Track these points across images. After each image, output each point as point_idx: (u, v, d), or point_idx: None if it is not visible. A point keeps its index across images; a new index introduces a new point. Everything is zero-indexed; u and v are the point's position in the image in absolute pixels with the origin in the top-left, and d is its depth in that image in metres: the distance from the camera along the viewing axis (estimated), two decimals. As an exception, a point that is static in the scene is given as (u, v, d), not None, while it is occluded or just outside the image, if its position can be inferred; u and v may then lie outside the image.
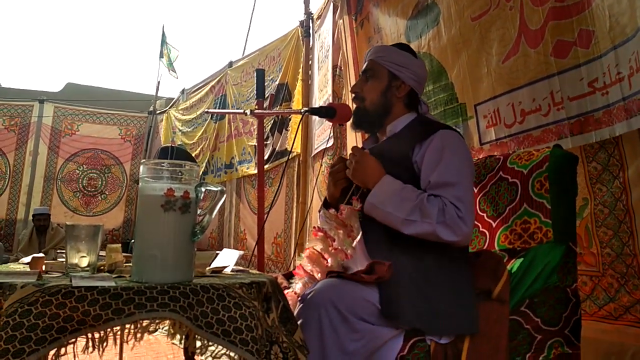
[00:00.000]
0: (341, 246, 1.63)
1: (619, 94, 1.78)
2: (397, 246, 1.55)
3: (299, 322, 1.35)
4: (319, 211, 1.94)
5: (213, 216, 1.20)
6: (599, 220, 1.93)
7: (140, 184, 1.16)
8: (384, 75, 1.75)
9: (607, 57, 1.82)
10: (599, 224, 1.94)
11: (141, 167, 1.17)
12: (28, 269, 1.27)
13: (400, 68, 1.75)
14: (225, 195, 1.19)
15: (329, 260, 1.64)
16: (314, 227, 1.74)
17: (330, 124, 3.86)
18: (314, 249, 1.68)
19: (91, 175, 8.39)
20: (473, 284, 1.56)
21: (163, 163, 1.15)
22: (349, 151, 2.42)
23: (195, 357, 2.27)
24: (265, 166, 4.78)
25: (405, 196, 1.54)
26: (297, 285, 1.66)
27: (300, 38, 4.71)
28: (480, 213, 1.90)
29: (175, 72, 8.17)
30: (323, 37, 4.26)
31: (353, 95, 1.80)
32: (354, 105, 1.80)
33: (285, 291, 1.65)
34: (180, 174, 1.16)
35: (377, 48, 1.84)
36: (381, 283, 1.45)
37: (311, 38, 4.62)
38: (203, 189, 1.17)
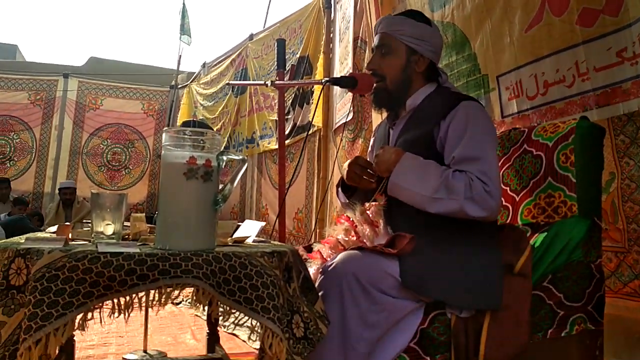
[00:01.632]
0: (365, 240, 1.61)
1: None
2: (421, 221, 1.54)
3: (320, 293, 1.36)
4: (337, 191, 1.93)
5: (235, 185, 1.21)
6: (626, 195, 1.89)
7: (163, 152, 1.17)
8: (402, 51, 1.71)
9: (636, 26, 1.76)
10: (626, 199, 1.90)
11: (164, 135, 1.18)
12: (55, 236, 1.30)
13: (418, 42, 1.70)
14: (247, 164, 1.19)
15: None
16: (340, 215, 1.70)
17: (350, 97, 3.83)
18: (335, 236, 1.64)
19: (115, 149, 8.50)
20: (500, 258, 1.54)
21: (185, 131, 1.16)
22: (373, 124, 2.38)
23: (218, 325, 2.32)
24: (287, 141, 4.78)
25: (429, 173, 1.52)
26: (311, 270, 1.58)
27: (322, 9, 4.65)
28: (504, 187, 1.87)
29: (189, 37, 8.08)
30: (345, 7, 4.20)
31: (370, 72, 1.75)
32: (374, 84, 1.74)
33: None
34: (202, 142, 1.16)
35: (390, 20, 1.78)
36: (403, 255, 1.45)
37: (332, 9, 4.56)
38: (225, 158, 1.17)
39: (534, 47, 2.18)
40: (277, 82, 2.13)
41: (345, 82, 1.76)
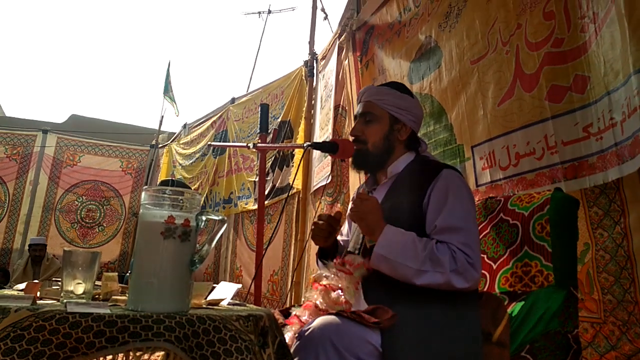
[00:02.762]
0: (345, 296, 1.58)
1: (612, 140, 1.79)
2: (399, 293, 1.52)
3: (295, 359, 1.32)
4: (316, 260, 1.92)
5: (213, 246, 1.19)
6: (600, 266, 1.92)
7: (141, 210, 1.16)
8: (385, 119, 1.76)
9: (601, 103, 1.84)
10: (600, 270, 1.92)
11: (143, 194, 1.17)
12: (23, 294, 1.25)
13: (401, 111, 1.76)
14: (226, 225, 1.18)
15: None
16: (313, 279, 1.68)
17: (330, 161, 3.88)
18: (314, 300, 1.61)
19: (90, 206, 8.38)
20: (479, 328, 1.52)
21: (165, 190, 1.15)
22: (351, 189, 2.40)
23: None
24: (265, 202, 4.78)
25: (414, 245, 1.51)
26: (287, 335, 1.53)
27: (304, 77, 4.78)
28: (481, 254, 1.88)
29: (177, 109, 8.31)
30: (327, 77, 4.33)
31: (352, 138, 1.78)
32: (355, 148, 1.78)
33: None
34: (181, 201, 1.15)
35: (374, 90, 1.83)
36: (384, 329, 1.43)
37: (315, 78, 4.70)
38: (204, 218, 1.16)
39: (506, 120, 2.26)
40: (259, 144, 2.15)
41: (327, 147, 1.79)
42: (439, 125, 2.75)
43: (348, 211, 2.02)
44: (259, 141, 2.35)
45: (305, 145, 1.80)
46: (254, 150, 2.12)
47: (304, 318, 1.56)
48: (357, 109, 1.84)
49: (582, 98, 1.92)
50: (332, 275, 1.61)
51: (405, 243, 1.52)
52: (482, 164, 2.42)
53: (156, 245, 1.11)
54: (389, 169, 1.76)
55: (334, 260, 1.67)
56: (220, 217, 1.18)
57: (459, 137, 2.60)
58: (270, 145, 2.66)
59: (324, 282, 1.61)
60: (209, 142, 6.37)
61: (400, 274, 1.51)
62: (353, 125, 1.83)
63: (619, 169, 1.76)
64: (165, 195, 1.15)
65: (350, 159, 1.82)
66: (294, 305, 1.82)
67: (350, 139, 1.80)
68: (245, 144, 2.18)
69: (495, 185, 2.34)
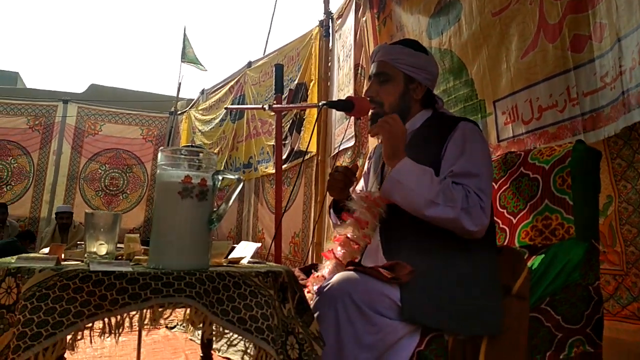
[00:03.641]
0: (367, 231, 1.62)
1: (620, 88, 1.74)
2: (417, 247, 1.53)
3: (315, 315, 1.34)
4: (329, 212, 1.93)
5: (230, 204, 1.20)
6: (623, 218, 1.89)
7: (158, 171, 1.17)
8: (400, 79, 1.73)
9: (613, 50, 1.78)
10: (623, 222, 1.89)
11: (159, 155, 1.17)
12: (47, 256, 1.29)
13: (415, 70, 1.73)
14: (242, 183, 1.19)
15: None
16: (345, 213, 1.70)
17: (351, 123, 3.85)
18: (345, 234, 1.67)
19: (113, 174, 8.51)
20: (499, 282, 1.53)
21: (181, 150, 1.15)
22: (370, 149, 2.38)
23: (212, 349, 2.28)
24: (284, 166, 4.79)
25: (430, 177, 1.51)
26: (325, 270, 1.65)
27: (320, 37, 4.71)
28: (501, 209, 1.87)
29: (202, 65, 8.28)
30: (345, 36, 4.26)
31: (368, 98, 1.76)
32: (371, 110, 1.76)
33: (310, 278, 1.65)
34: (197, 161, 1.16)
35: (387, 49, 1.80)
36: (402, 284, 1.44)
37: (331, 37, 4.61)
38: (220, 177, 1.17)
39: (530, 73, 2.21)
40: (274, 105, 2.14)
41: (342, 105, 1.77)
42: (459, 81, 2.69)
43: (364, 171, 2.02)
44: (275, 102, 2.34)
45: (320, 104, 1.78)
46: (270, 112, 2.11)
47: (324, 272, 1.59)
48: (371, 69, 1.81)
49: (600, 47, 1.86)
50: (361, 206, 1.64)
51: (421, 173, 1.52)
52: (505, 119, 2.38)
53: (174, 204, 1.12)
54: (406, 126, 1.74)
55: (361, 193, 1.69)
56: (236, 177, 1.19)
57: (480, 93, 2.55)
58: (285, 106, 2.64)
59: (356, 212, 1.65)
60: (225, 106, 6.35)
61: (411, 202, 1.51)
62: (368, 85, 1.80)
63: (624, 118, 1.72)
64: (182, 155, 1.16)
65: (368, 125, 1.80)
66: (315, 264, 1.85)
67: (366, 99, 1.78)
68: (261, 106, 2.17)
69: (517, 140, 2.30)
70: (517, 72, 2.28)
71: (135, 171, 8.61)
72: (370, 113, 1.77)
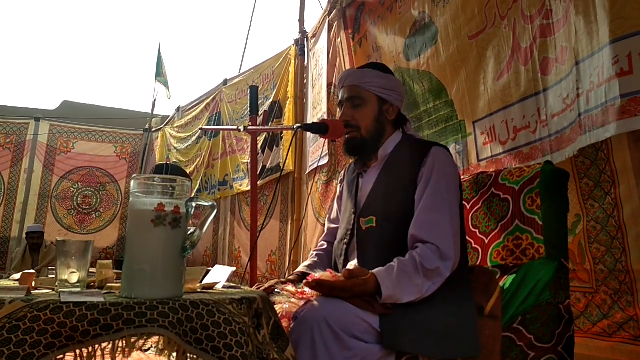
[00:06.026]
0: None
1: (577, 110, 1.81)
2: None
3: (291, 340, 1.34)
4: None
5: (204, 232, 1.20)
6: (592, 237, 1.94)
7: (131, 198, 1.16)
8: (374, 101, 1.77)
9: (573, 72, 1.85)
10: (592, 240, 1.94)
11: (132, 182, 1.17)
12: (18, 285, 1.26)
13: (387, 92, 1.77)
14: (215, 211, 1.19)
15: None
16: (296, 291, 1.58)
17: (325, 141, 3.88)
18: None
19: (86, 192, 8.37)
20: (473, 303, 1.55)
21: (154, 178, 1.15)
22: (344, 167, 2.37)
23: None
24: (258, 182, 4.78)
25: (408, 278, 1.49)
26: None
27: (295, 56, 4.75)
28: (473, 229, 1.90)
29: (169, 92, 8.27)
30: (318, 55, 4.30)
31: (343, 123, 1.78)
32: (347, 134, 1.78)
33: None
34: (171, 188, 1.16)
35: (357, 73, 1.83)
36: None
37: (306, 56, 4.66)
38: (194, 204, 1.17)
39: (505, 95, 2.27)
40: (249, 127, 2.15)
41: (316, 128, 1.79)
42: (440, 102, 2.74)
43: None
44: (250, 124, 2.35)
45: (295, 127, 1.80)
46: (245, 133, 2.12)
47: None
48: (340, 94, 1.83)
49: (564, 69, 1.93)
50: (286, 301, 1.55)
51: (400, 280, 1.49)
52: (484, 139, 2.43)
53: (147, 232, 1.12)
54: (379, 151, 1.77)
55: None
56: (210, 203, 1.19)
57: (460, 113, 2.60)
58: (260, 127, 2.66)
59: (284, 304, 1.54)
60: (200, 127, 6.33)
61: (412, 297, 1.50)
62: (341, 111, 1.83)
63: (580, 140, 1.79)
64: (155, 182, 1.16)
65: (344, 148, 1.83)
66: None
67: (341, 123, 1.81)
68: (236, 127, 2.18)
69: (495, 159, 2.35)
70: (494, 93, 2.34)
71: (109, 189, 8.49)
72: (346, 137, 1.80)
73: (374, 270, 1.50)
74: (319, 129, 1.79)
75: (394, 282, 1.48)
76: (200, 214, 1.25)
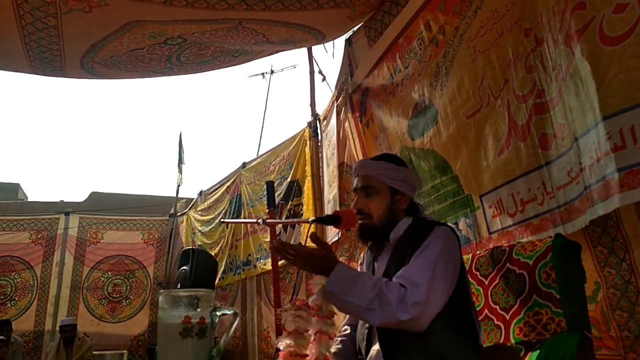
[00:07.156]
0: (324, 330, 1.65)
1: (583, 184, 1.83)
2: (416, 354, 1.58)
3: None
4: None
5: (229, 336, 1.27)
6: (613, 304, 1.93)
7: (159, 312, 1.25)
8: (386, 191, 1.87)
9: (573, 148, 1.89)
10: (614, 307, 1.93)
11: (160, 297, 1.26)
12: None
13: (400, 183, 1.87)
14: (238, 318, 1.26)
15: (314, 350, 1.64)
16: (283, 328, 1.68)
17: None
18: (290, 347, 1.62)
19: (116, 281, 8.48)
20: None
21: (180, 292, 1.24)
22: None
23: None
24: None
25: (362, 284, 1.59)
26: None
27: (310, 137, 4.93)
28: (493, 305, 1.92)
29: (181, 180, 8.54)
30: (330, 135, 4.47)
31: (356, 211, 1.88)
32: (360, 221, 1.87)
33: None
34: (196, 299, 1.24)
35: (371, 165, 1.95)
36: None
37: (319, 137, 4.83)
38: (218, 313, 1.25)
39: (507, 169, 2.30)
40: (268, 220, 2.25)
41: (330, 220, 1.87)
42: (445, 177, 2.79)
43: None
44: (268, 216, 2.45)
45: (310, 220, 1.88)
46: (264, 225, 2.22)
47: None
48: (355, 182, 1.93)
49: (564, 144, 1.98)
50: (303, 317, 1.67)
51: (353, 281, 1.60)
52: (492, 212, 2.45)
53: (176, 344, 1.19)
54: (391, 235, 1.85)
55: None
56: (232, 311, 1.26)
57: (467, 188, 2.64)
58: (278, 220, 2.77)
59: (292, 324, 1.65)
60: (220, 219, 6.50)
61: (349, 310, 1.62)
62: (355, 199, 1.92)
63: (590, 212, 1.80)
64: (181, 295, 1.24)
65: (357, 234, 1.91)
66: None
67: (354, 211, 1.89)
68: (255, 220, 2.28)
69: (506, 231, 2.37)
70: (497, 168, 2.38)
71: (138, 276, 8.60)
72: (358, 224, 1.88)
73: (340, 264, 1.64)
74: (333, 220, 1.87)
75: (349, 278, 1.59)
76: (225, 294, 1.31)
